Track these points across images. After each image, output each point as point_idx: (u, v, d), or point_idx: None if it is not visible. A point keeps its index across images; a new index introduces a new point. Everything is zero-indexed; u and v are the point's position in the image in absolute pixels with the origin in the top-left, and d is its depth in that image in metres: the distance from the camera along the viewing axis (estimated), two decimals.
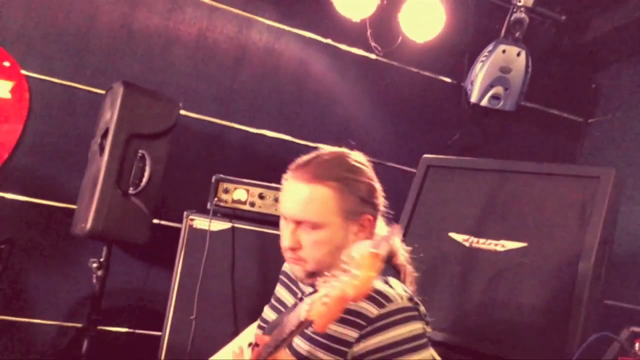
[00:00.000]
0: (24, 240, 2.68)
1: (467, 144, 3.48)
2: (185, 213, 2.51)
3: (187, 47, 3.03)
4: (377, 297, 1.30)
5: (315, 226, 1.37)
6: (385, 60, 3.39)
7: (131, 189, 2.43)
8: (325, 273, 1.12)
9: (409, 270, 1.53)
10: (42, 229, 2.73)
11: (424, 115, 3.48)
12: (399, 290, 1.35)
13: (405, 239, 2.33)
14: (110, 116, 2.45)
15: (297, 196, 1.38)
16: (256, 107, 3.14)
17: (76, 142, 2.76)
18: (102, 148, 2.43)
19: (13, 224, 2.69)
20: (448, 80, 3.53)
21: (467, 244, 2.27)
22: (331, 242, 1.37)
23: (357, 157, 1.50)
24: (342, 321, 1.29)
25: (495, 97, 3.34)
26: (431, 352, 1.38)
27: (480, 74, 3.30)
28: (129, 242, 2.47)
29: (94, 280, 2.46)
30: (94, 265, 2.45)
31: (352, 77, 3.35)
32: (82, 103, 2.81)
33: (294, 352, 1.35)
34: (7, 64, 2.69)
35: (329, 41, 3.28)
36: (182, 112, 2.86)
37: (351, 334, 1.30)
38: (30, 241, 2.71)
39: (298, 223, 1.39)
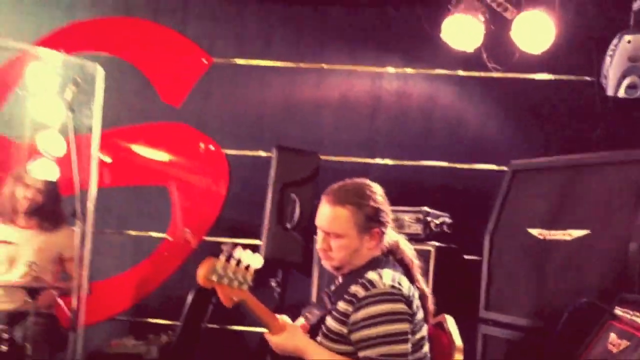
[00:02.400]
0: None
1: (610, 138, 3.47)
2: None
3: (331, 107, 3.86)
4: (366, 283, 1.85)
5: (337, 236, 1.97)
6: (507, 75, 3.66)
7: (288, 224, 3.31)
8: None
9: (417, 264, 2.02)
10: None
11: (559, 117, 3.61)
12: (385, 279, 1.86)
13: (494, 237, 2.72)
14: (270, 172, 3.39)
15: (325, 214, 2.02)
16: (390, 142, 3.76)
17: (261, 194, 3.76)
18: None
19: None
20: (575, 78, 3.61)
21: (541, 237, 2.52)
22: (349, 247, 1.96)
23: (371, 187, 2.06)
24: (344, 300, 1.88)
25: (631, 87, 3.32)
26: (407, 326, 1.83)
27: (611, 67, 3.34)
28: (289, 263, 3.33)
29: (276, 296, 3.37)
30: (273, 284, 3.37)
31: (479, 98, 3.72)
32: (263, 163, 3.81)
33: (326, 324, 1.97)
34: (212, 147, 3.89)
35: (449, 72, 3.73)
36: (329, 157, 3.66)
37: (348, 308, 1.87)
38: None
39: (327, 233, 2.02)
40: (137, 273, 3.97)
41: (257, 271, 1.86)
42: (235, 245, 1.83)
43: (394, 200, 2.05)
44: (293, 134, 3.86)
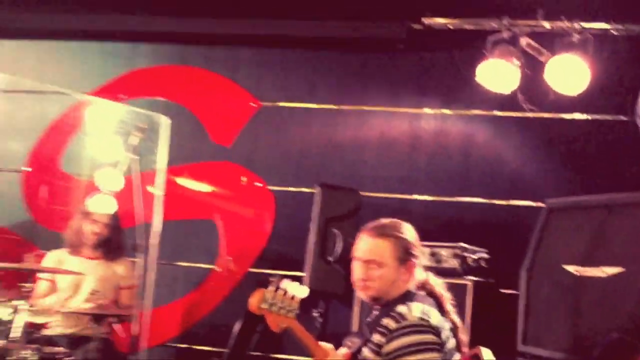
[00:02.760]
0: None
1: None
2: None
3: (371, 146, 4.06)
4: (396, 316, 2.00)
5: (378, 265, 2.12)
6: (543, 115, 3.79)
7: (331, 257, 3.48)
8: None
9: (446, 297, 2.16)
10: None
11: (594, 156, 3.71)
12: (414, 312, 2.01)
13: (530, 272, 2.83)
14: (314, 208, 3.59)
15: (366, 245, 2.18)
16: (429, 179, 3.92)
17: (305, 228, 3.94)
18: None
19: None
20: (609, 118, 3.71)
21: (576, 273, 2.62)
22: (387, 278, 2.11)
23: (405, 225, 2.23)
24: (378, 332, 2.04)
25: None
26: (436, 355, 1.94)
27: None
28: (331, 294, 3.48)
29: (317, 326, 3.52)
30: (316, 314, 3.53)
31: (515, 137, 3.86)
32: (307, 199, 3.99)
33: (363, 355, 2.12)
34: (259, 184, 4.12)
35: (486, 112, 3.89)
36: (370, 193, 3.83)
37: (382, 340, 2.02)
38: None
39: (367, 263, 2.18)
40: (186, 302, 4.19)
41: (301, 301, 2.05)
42: (282, 277, 2.03)
43: (432, 235, 2.21)
44: (335, 171, 4.06)
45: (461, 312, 2.17)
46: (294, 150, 4.16)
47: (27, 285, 2.92)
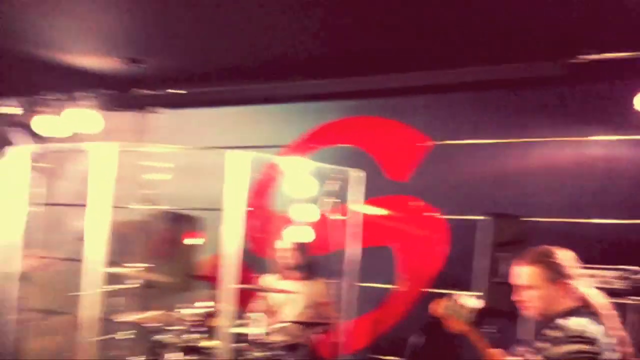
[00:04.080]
0: None
1: None
2: None
3: (537, 175, 4.36)
4: (556, 328, 2.33)
5: (529, 288, 2.53)
6: None
7: (500, 279, 3.87)
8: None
9: (609, 312, 2.43)
10: None
11: None
12: (571, 324, 2.31)
13: None
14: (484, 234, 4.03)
15: (520, 272, 2.58)
16: (596, 204, 4.11)
17: (477, 252, 4.34)
18: None
19: None
20: None
21: None
22: (542, 298, 2.50)
23: (556, 251, 2.59)
24: (540, 341, 2.40)
25: None
26: None
27: None
28: (500, 312, 3.86)
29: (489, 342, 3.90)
30: (489, 330, 3.92)
31: None
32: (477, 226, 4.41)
33: None
34: (434, 214, 4.64)
35: None
36: (537, 218, 4.14)
37: (544, 347, 2.37)
38: None
39: (522, 287, 2.57)
40: (373, 317, 4.81)
41: (475, 321, 2.54)
42: (458, 295, 2.56)
43: (600, 258, 2.49)
44: (503, 200, 4.41)
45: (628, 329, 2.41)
46: (464, 182, 4.61)
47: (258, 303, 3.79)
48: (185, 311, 3.64)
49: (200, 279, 5.20)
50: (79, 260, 3.69)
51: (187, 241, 5.04)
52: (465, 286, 4.33)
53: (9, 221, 3.62)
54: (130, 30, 4.28)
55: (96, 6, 3.87)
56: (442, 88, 4.63)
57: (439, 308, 2.53)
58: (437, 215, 4.66)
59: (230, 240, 3.32)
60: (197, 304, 3.71)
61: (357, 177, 3.94)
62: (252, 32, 4.08)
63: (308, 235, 4.46)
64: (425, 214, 4.69)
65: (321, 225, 4.31)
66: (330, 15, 3.68)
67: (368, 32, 3.92)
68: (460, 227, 4.54)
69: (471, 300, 2.55)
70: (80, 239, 3.69)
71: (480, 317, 3.67)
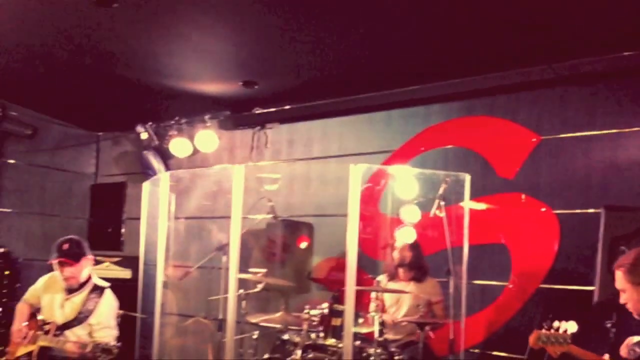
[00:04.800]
0: None
1: None
2: None
3: None
4: None
5: (622, 291, 2.72)
6: None
7: None
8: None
9: None
10: None
11: None
12: None
13: None
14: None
15: (616, 275, 2.77)
16: None
17: (589, 246, 4.24)
18: None
19: None
20: None
21: None
22: (633, 298, 2.70)
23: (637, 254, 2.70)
24: None
25: None
26: None
27: None
28: (621, 306, 3.78)
29: (611, 336, 3.84)
30: (608, 325, 3.86)
31: None
32: (590, 220, 4.27)
33: None
34: (543, 209, 4.62)
35: None
36: None
37: None
38: None
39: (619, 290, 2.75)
40: (485, 315, 4.86)
41: (592, 314, 2.76)
42: (553, 318, 2.72)
43: None
44: (618, 192, 4.31)
45: None
46: (576, 175, 4.54)
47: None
48: (310, 312, 3.95)
49: (315, 281, 5.55)
50: (213, 268, 4.16)
51: (302, 246, 5.40)
52: (579, 281, 4.32)
53: (155, 235, 4.15)
54: (245, 57, 4.72)
55: (215, 39, 4.36)
56: (550, 82, 4.59)
57: (535, 340, 2.76)
58: (548, 210, 4.63)
59: (350, 244, 3.56)
60: (320, 306, 4.01)
61: (465, 177, 4.07)
62: (353, 46, 4.35)
63: (415, 236, 4.62)
64: (536, 209, 4.67)
65: (432, 226, 4.45)
66: (433, 19, 3.84)
67: (473, 33, 4.02)
68: (578, 222, 4.47)
69: (567, 325, 2.79)
70: (219, 249, 4.14)
71: (597, 312, 3.70)
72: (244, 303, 4.60)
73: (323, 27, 4.04)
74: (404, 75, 4.94)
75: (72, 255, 3.72)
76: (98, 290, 3.81)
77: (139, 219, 6.76)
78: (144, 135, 6.34)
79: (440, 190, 4.03)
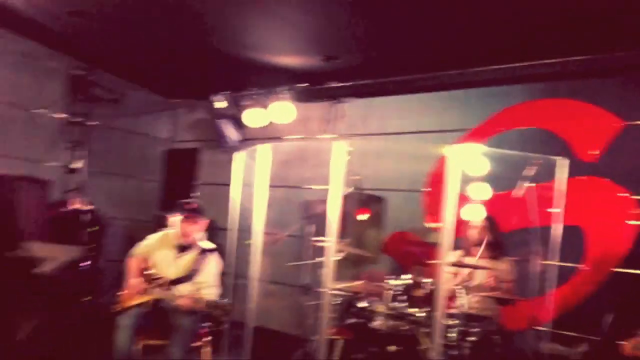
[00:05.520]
0: None
1: None
2: None
3: None
4: None
5: None
6: None
7: None
8: None
9: None
10: None
11: None
12: None
13: None
14: None
15: None
16: None
17: None
18: None
19: None
20: None
21: None
22: None
23: None
24: None
25: None
26: None
27: None
28: None
29: None
30: None
31: None
32: None
33: None
34: (623, 194, 4.63)
35: None
36: None
37: None
38: None
39: None
40: (558, 295, 4.91)
41: None
42: None
43: None
44: None
45: None
46: None
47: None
48: (392, 282, 4.12)
49: (385, 253, 5.72)
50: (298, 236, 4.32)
51: (375, 219, 5.56)
52: None
53: (255, 204, 4.37)
54: (329, 31, 4.82)
55: (297, 11, 4.46)
56: (636, 67, 4.53)
57: (632, 348, 2.81)
58: (628, 195, 4.64)
59: (447, 223, 3.65)
60: (401, 276, 4.18)
61: (547, 160, 4.12)
62: (435, 23, 4.40)
63: (480, 212, 4.70)
64: (615, 194, 4.68)
65: (510, 205, 4.52)
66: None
67: (560, 15, 4.01)
68: None
69: None
70: (306, 218, 4.33)
71: None
72: (323, 270, 4.84)
73: (407, 2, 4.09)
74: (486, 55, 4.96)
75: (196, 215, 4.04)
76: (206, 251, 4.09)
77: (210, 184, 7.09)
78: (220, 104, 6.53)
79: (529, 172, 4.07)
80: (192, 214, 4.05)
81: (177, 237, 4.05)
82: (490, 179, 4.77)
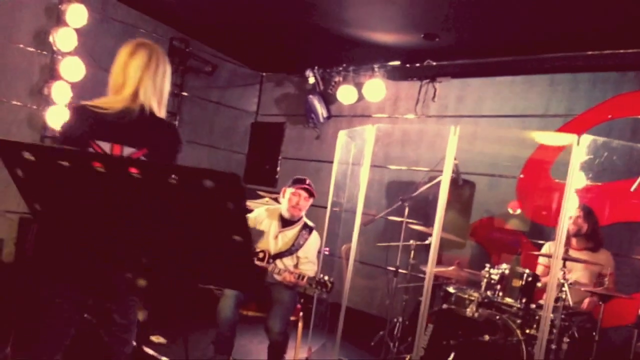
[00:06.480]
0: None
1: None
2: None
3: None
4: None
5: None
6: None
7: None
8: None
9: None
10: None
11: None
12: None
13: None
14: None
15: None
16: None
17: None
18: None
19: None
20: None
21: None
22: None
23: None
24: None
25: None
26: None
27: None
28: None
29: None
30: None
31: None
32: None
33: None
34: None
35: None
36: None
37: None
38: None
39: None
40: None
41: None
42: None
43: None
44: None
45: None
46: None
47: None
48: (490, 270, 4.05)
49: (472, 239, 5.62)
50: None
51: (465, 204, 5.45)
52: None
53: (361, 184, 4.40)
54: (432, 9, 4.69)
55: None
56: None
57: None
58: None
59: (563, 219, 3.53)
60: (499, 265, 4.09)
61: None
62: (540, 2, 4.19)
63: (577, 204, 4.51)
64: None
65: (609, 197, 4.33)
66: None
67: None
68: None
69: None
70: (403, 200, 4.31)
71: None
72: (412, 253, 4.81)
73: None
74: (595, 38, 4.69)
75: (310, 190, 4.12)
76: (308, 228, 4.15)
77: (295, 159, 7.15)
78: (311, 80, 6.53)
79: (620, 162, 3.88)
80: (305, 189, 4.11)
81: (285, 211, 4.12)
82: (597, 169, 4.56)
